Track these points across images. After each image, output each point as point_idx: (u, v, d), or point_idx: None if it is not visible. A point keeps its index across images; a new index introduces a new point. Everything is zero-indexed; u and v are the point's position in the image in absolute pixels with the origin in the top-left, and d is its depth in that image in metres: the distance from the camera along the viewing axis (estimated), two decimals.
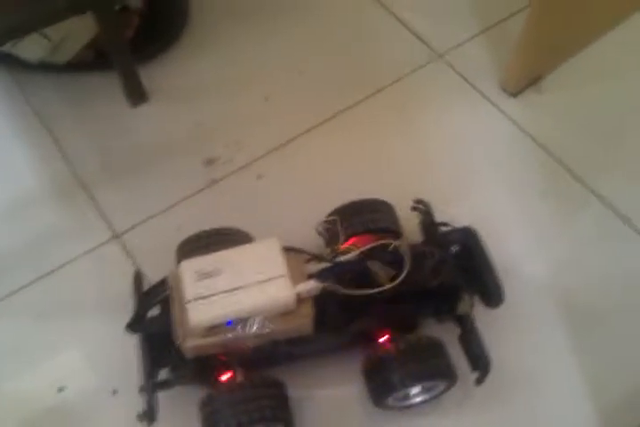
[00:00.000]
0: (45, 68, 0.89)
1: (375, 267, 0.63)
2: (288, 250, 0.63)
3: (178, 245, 0.71)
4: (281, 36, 0.97)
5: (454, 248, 0.69)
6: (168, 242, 0.74)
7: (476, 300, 0.67)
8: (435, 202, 0.72)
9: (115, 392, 0.70)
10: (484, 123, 0.90)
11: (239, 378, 0.61)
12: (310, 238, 0.74)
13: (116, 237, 0.81)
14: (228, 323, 0.58)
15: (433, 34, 0.97)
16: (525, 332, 0.73)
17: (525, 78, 0.91)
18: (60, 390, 0.70)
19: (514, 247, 0.78)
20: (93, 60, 0.90)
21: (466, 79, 0.93)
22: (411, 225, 0.73)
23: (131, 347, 0.64)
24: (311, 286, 0.60)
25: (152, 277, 0.68)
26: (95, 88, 0.91)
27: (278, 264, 0.60)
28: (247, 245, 0.63)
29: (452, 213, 0.72)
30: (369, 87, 0.92)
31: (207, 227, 0.72)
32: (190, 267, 0.60)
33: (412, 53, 0.96)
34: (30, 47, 0.85)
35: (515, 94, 0.91)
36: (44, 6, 0.72)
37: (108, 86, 0.89)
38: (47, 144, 0.87)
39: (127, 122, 0.90)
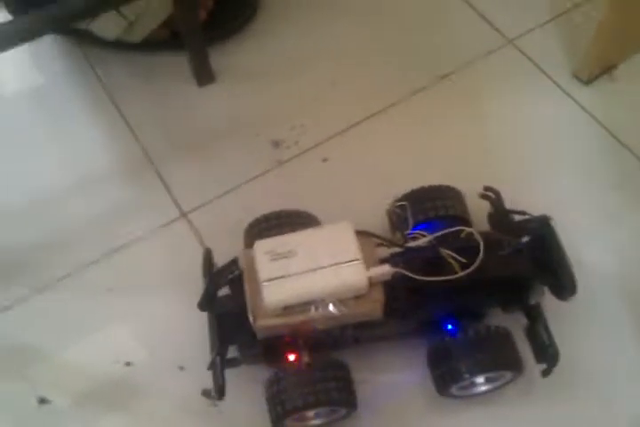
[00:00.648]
0: (120, 45, 0.90)
1: (447, 254, 0.62)
2: (360, 233, 0.63)
3: (246, 226, 0.72)
4: (349, 20, 0.96)
5: (527, 237, 0.68)
6: (234, 222, 0.75)
7: (547, 291, 0.66)
8: (503, 190, 0.71)
9: (182, 368, 0.71)
10: (556, 111, 0.87)
11: (306, 359, 0.62)
12: (376, 222, 0.74)
13: (183, 215, 0.82)
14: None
15: (504, 19, 0.95)
16: (596, 326, 0.72)
17: (599, 66, 0.89)
18: (128, 364, 0.72)
19: (586, 240, 0.76)
20: (167, 39, 0.90)
21: (537, 66, 0.91)
22: (478, 214, 0.73)
23: (198, 324, 0.65)
24: (384, 270, 0.59)
25: (218, 257, 0.69)
26: (165, 67, 0.92)
27: (352, 248, 0.60)
28: (320, 228, 0.63)
29: (521, 202, 0.70)
30: (436, 72, 0.91)
31: (273, 208, 0.72)
32: (264, 247, 0.60)
33: (482, 38, 0.94)
34: (106, 25, 0.86)
35: (587, 82, 0.89)
36: None
37: (177, 65, 0.90)
38: (116, 121, 0.88)
39: (195, 101, 0.90)
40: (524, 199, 0.74)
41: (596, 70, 0.89)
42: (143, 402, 0.70)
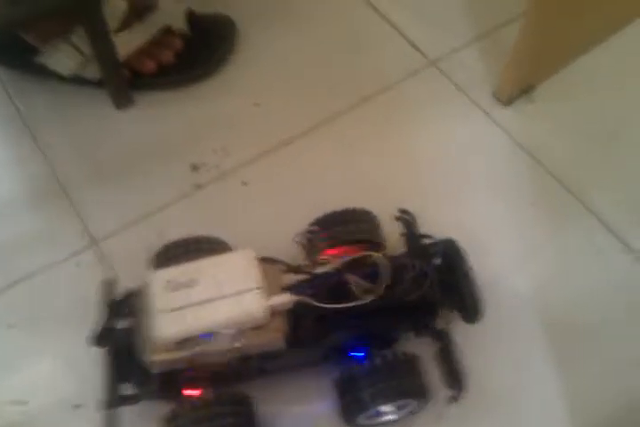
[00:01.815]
0: (79, 82, 0.87)
1: (352, 280, 0.61)
2: (264, 260, 0.61)
3: (154, 254, 0.70)
4: (272, 43, 0.95)
5: (436, 260, 0.67)
6: (147, 250, 0.72)
7: (456, 315, 0.65)
8: (421, 213, 0.71)
9: (77, 407, 0.68)
10: (475, 131, 0.88)
11: (206, 394, 0.60)
12: (293, 248, 0.72)
13: (94, 243, 0.79)
14: (201, 337, 0.57)
15: (425, 40, 0.95)
16: (506, 348, 0.71)
17: (518, 87, 0.89)
18: (21, 403, 0.68)
19: (500, 260, 0.76)
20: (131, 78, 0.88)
21: (458, 87, 0.91)
22: (396, 236, 0.72)
23: (96, 360, 0.62)
24: (285, 298, 0.58)
25: (129, 286, 0.66)
26: (81, 90, 0.89)
27: (252, 276, 0.58)
28: (221, 256, 0.61)
29: (439, 225, 0.71)
30: (358, 94, 0.90)
31: (188, 234, 0.70)
32: (162, 277, 0.58)
33: (404, 59, 0.94)
34: (62, 60, 0.84)
35: (507, 103, 0.89)
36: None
37: (93, 88, 0.88)
38: (27, 143, 0.86)
39: (112, 124, 0.88)
40: (442, 222, 0.74)
41: (515, 91, 0.89)
42: None
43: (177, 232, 0.71)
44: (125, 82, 0.87)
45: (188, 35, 0.90)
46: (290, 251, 0.71)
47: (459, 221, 0.78)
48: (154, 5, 0.86)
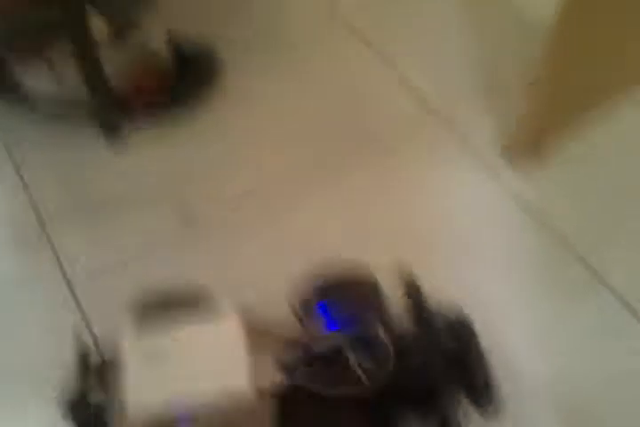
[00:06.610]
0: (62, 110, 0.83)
1: (354, 359, 0.55)
2: (254, 329, 0.54)
3: (132, 304, 0.63)
4: (267, 82, 0.90)
5: (445, 335, 0.61)
6: (128, 295, 0.65)
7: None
8: (424, 276, 0.64)
9: None
10: (482, 192, 0.83)
11: None
12: (284, 304, 0.66)
13: (69, 286, 0.72)
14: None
15: (430, 90, 0.91)
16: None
17: (527, 149, 0.84)
18: None
19: (509, 337, 0.70)
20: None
21: (466, 144, 0.87)
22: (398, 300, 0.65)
23: None
24: (275, 379, 0.51)
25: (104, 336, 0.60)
26: (71, 130, 0.84)
27: (238, 350, 0.52)
28: (204, 325, 0.54)
29: (443, 291, 0.64)
30: (362, 147, 0.85)
31: (171, 281, 0.64)
32: (137, 347, 0.52)
33: (410, 113, 0.89)
34: (41, 77, 0.80)
35: (515, 164, 0.84)
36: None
37: (83, 129, 0.83)
38: (11, 180, 0.81)
39: (99, 163, 0.83)
40: (447, 288, 0.67)
41: (524, 153, 0.84)
42: None
43: (161, 276, 0.67)
44: (114, 103, 0.82)
45: (171, 61, 0.86)
46: (281, 306, 0.64)
47: (463, 289, 0.72)
48: (134, 26, 0.82)
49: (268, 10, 1.00)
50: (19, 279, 0.74)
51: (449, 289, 0.68)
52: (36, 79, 0.80)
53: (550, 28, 0.69)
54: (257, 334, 0.55)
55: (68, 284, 0.72)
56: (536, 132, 0.83)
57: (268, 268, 0.73)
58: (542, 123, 0.81)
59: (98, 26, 0.78)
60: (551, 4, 0.66)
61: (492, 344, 0.61)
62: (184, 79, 0.86)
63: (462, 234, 0.78)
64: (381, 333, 0.56)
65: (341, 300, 0.62)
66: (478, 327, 0.60)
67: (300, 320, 0.62)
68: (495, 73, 0.93)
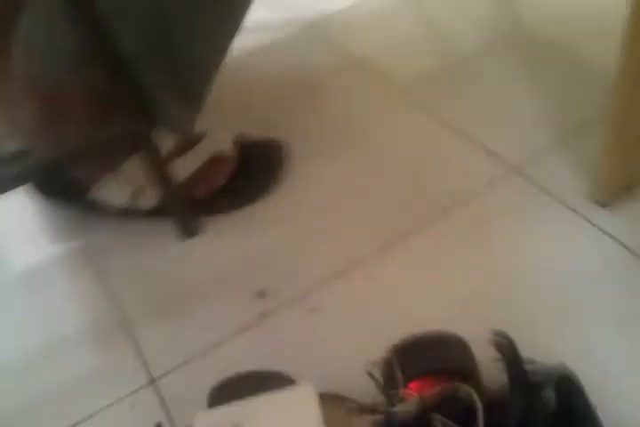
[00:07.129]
0: (128, 214, 0.86)
1: (439, 422, 0.49)
2: (328, 398, 0.51)
3: (209, 392, 0.61)
4: (340, 162, 0.92)
5: (548, 395, 0.54)
6: (206, 388, 0.64)
7: None
8: (518, 336, 0.58)
9: None
10: (574, 238, 0.77)
11: None
12: (369, 385, 0.61)
13: (152, 382, 0.71)
14: None
15: (504, 147, 0.89)
16: None
17: (616, 186, 0.79)
18: None
19: (621, 401, 0.61)
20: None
21: (548, 192, 0.83)
22: (491, 366, 0.59)
23: None
24: None
25: None
26: (148, 223, 0.87)
27: (312, 418, 0.48)
28: (276, 394, 0.51)
29: (541, 351, 0.58)
30: (436, 208, 0.84)
31: (250, 369, 0.61)
32: (206, 421, 0.49)
33: (484, 170, 0.87)
34: (115, 193, 0.84)
35: (606, 204, 0.79)
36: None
37: (160, 222, 0.86)
38: (94, 280, 0.83)
39: (178, 256, 0.84)
40: (544, 348, 0.61)
41: (614, 190, 0.80)
42: None
43: (241, 366, 0.62)
44: (187, 208, 0.85)
45: (237, 159, 0.89)
46: (366, 388, 0.60)
47: (565, 347, 0.65)
48: (202, 135, 0.86)
49: (336, 98, 1.04)
50: (99, 376, 0.74)
51: (547, 345, 0.63)
52: (111, 194, 0.85)
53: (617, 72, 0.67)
54: (332, 400, 0.51)
55: (151, 379, 0.72)
56: (622, 170, 0.78)
57: (347, 348, 0.70)
58: (627, 160, 0.77)
59: (164, 141, 0.82)
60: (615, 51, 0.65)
61: (603, 403, 0.54)
62: (251, 172, 0.89)
63: (559, 285, 0.73)
64: (472, 394, 0.51)
65: (425, 360, 0.57)
66: (587, 385, 0.54)
67: (379, 382, 0.58)
68: (564, 116, 0.92)
